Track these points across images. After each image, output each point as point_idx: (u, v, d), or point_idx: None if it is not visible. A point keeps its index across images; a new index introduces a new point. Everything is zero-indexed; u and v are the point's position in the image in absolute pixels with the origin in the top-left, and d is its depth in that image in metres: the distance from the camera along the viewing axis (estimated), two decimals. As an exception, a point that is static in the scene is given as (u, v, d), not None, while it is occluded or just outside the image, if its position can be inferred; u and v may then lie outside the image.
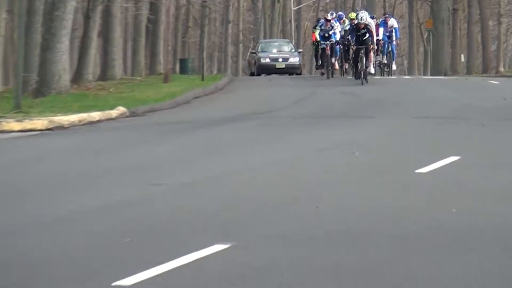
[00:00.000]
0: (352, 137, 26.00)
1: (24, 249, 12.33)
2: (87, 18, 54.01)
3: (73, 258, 11.67)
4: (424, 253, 11.81)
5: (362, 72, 43.78)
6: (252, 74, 71.83)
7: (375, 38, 45.04)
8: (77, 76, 50.63)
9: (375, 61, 49.99)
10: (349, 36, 44.89)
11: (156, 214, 14.89)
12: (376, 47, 47.00)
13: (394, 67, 56.40)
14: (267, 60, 64.63)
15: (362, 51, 43.23)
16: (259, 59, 66.80)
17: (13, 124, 29.91)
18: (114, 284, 10.33)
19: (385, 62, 53.14)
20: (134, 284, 10.31)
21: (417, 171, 19.14)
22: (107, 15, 57.85)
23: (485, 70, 76.99)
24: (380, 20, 52.99)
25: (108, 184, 18.69)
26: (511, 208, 15.15)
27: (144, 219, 14.53)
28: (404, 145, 24.35)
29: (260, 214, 14.86)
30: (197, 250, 11.73)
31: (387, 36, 51.08)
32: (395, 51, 53.98)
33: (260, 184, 18.17)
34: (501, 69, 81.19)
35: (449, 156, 20.97)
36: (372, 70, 46.70)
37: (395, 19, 56.00)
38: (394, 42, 52.44)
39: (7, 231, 13.62)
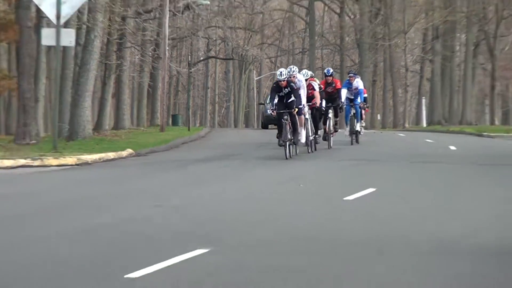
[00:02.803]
0: (299, 173, 27.99)
1: (62, 250, 14.03)
2: (104, 84, 59.13)
3: (90, 257, 13.35)
4: (348, 259, 13.50)
5: (287, 143, 31.24)
6: (263, 126, 66.90)
7: (304, 101, 32.93)
8: (97, 126, 54.57)
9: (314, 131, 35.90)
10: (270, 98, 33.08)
11: (154, 227, 16.48)
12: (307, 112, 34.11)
13: (360, 130, 42.67)
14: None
15: (285, 117, 30.93)
16: (265, 109, 61.38)
17: (51, 160, 31.95)
18: (125, 276, 11.89)
19: (334, 130, 39.57)
20: (139, 277, 11.82)
21: (344, 198, 20.87)
22: (119, 81, 62.81)
23: (395, 126, 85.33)
24: (345, 81, 42.88)
25: (119, 205, 20.11)
26: (405, 225, 16.99)
27: (145, 230, 16.11)
28: (337, 180, 26.17)
29: (231, 226, 16.65)
30: (186, 252, 13.39)
31: (350, 99, 40.49)
32: (359, 115, 41.29)
33: (234, 206, 19.96)
34: (407, 125, 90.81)
35: (368, 188, 22.55)
36: (303, 139, 33.58)
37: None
38: (358, 105, 40.94)
39: (49, 236, 15.44)
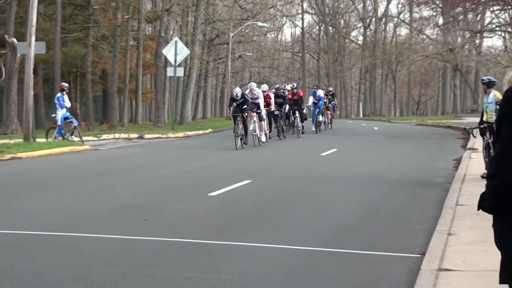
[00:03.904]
0: (292, 145, 26.81)
1: (175, 181, 13.31)
2: (197, 95, 57.14)
3: (190, 184, 12.79)
4: (320, 184, 12.87)
5: (239, 138, 22.20)
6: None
7: (262, 107, 24.47)
8: (194, 117, 52.45)
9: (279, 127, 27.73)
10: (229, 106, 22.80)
11: (221, 170, 15.77)
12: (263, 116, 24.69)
13: (323, 120, 34.43)
14: None
15: (238, 118, 22.11)
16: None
17: (170, 134, 31.10)
18: (208, 194, 11.36)
19: (300, 125, 29.52)
20: (215, 195, 11.29)
21: (321, 154, 20.14)
22: (205, 94, 60.36)
23: (346, 117, 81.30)
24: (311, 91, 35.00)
25: (199, 158, 19.21)
26: (350, 167, 15.95)
27: (216, 171, 15.42)
28: (316, 146, 25.02)
29: (261, 169, 15.92)
30: (239, 182, 12.86)
31: (314, 103, 32.65)
32: (321, 113, 33.36)
33: (261, 159, 19.05)
34: (352, 116, 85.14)
35: (333, 148, 22.03)
36: (263, 138, 24.49)
37: (323, 89, 37.28)
38: (321, 107, 33.01)
39: (169, 174, 14.44)
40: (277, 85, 31.92)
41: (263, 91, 25.92)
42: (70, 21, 42.56)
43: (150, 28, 55.92)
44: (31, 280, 5.99)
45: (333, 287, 5.89)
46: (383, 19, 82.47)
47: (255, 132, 23.43)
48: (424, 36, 75.62)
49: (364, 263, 6.69)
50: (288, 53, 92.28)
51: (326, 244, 7.52)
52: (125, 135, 30.42)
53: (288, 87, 30.87)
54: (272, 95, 27.62)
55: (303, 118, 30.18)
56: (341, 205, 10.48)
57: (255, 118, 23.52)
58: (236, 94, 22.43)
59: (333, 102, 37.47)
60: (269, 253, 7.13)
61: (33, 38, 22.91)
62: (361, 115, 78.78)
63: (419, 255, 6.88)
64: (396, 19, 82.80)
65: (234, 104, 22.55)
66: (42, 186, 12.64)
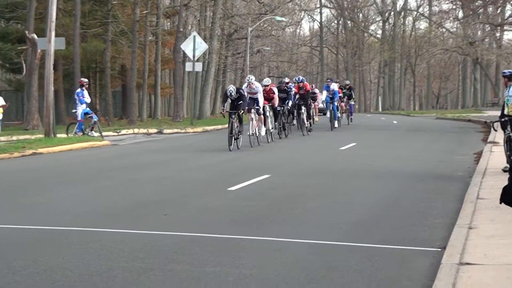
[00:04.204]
0: (309, 141, 26.26)
1: (195, 175, 13.41)
2: (216, 90, 57.66)
3: (209, 179, 12.78)
4: (339, 178, 12.85)
5: (234, 138, 19.75)
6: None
7: (261, 103, 21.83)
8: (212, 111, 52.85)
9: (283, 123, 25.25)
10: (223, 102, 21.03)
11: (236, 165, 15.87)
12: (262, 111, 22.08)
13: (340, 116, 32.33)
14: None
15: (233, 116, 19.70)
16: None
17: (189, 129, 31.19)
18: (227, 189, 11.41)
19: (307, 122, 27.33)
20: (235, 189, 11.33)
21: (340, 148, 20.20)
22: (223, 89, 55.46)
23: (365, 111, 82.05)
24: (325, 84, 32.51)
25: (218, 153, 19.10)
26: (370, 162, 15.93)
27: (234, 165, 15.43)
28: (334, 140, 24.90)
29: (279, 164, 15.83)
30: (258, 177, 12.91)
31: (329, 97, 30.02)
32: (336, 110, 30.61)
33: (280, 155, 19.28)
34: (371, 110, 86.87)
35: (352, 143, 21.98)
36: (263, 132, 22.31)
37: (337, 82, 34.48)
38: (336, 103, 30.40)
39: (189, 168, 14.64)
40: (285, 79, 28.74)
41: (265, 86, 23.48)
42: (89, 17, 42.82)
43: (169, 23, 56.05)
44: (53, 275, 6.05)
45: (353, 281, 5.87)
46: (402, 13, 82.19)
47: (253, 131, 21.08)
48: (444, 30, 75.31)
49: (384, 257, 6.65)
50: (306, 47, 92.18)
51: (346, 238, 7.53)
52: (144, 130, 30.49)
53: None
54: (276, 90, 24.66)
55: (310, 114, 27.88)
56: (361, 199, 10.44)
57: (253, 115, 21.09)
58: (230, 93, 20.15)
59: (351, 102, 35.47)
60: (289, 247, 7.13)
61: (53, 33, 22.98)
62: (380, 109, 78.75)
63: (440, 249, 6.86)
64: (415, 12, 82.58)
65: (229, 100, 20.34)
66: (63, 181, 12.74)
